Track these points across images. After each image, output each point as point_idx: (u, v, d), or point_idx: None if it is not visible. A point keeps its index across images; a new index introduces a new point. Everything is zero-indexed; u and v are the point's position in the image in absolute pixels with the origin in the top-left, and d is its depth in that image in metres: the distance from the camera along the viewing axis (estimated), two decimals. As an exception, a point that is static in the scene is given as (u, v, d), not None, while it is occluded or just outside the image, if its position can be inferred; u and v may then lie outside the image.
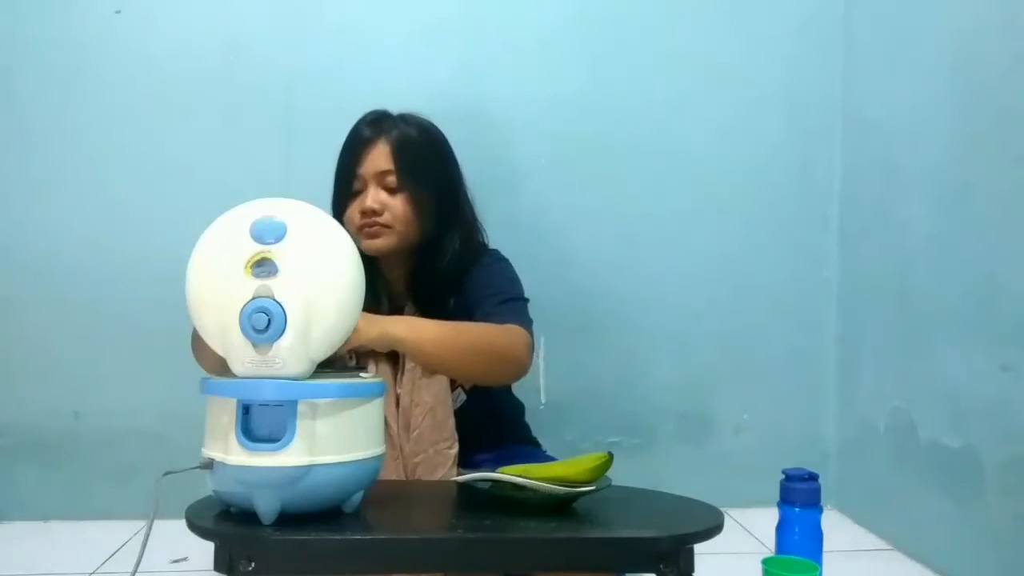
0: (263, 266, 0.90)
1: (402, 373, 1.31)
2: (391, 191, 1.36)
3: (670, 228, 1.92)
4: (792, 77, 1.93)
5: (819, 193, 1.94)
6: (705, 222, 1.92)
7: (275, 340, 0.88)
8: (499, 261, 1.45)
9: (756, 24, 1.92)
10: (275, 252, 0.90)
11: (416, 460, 1.31)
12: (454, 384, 1.36)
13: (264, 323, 0.88)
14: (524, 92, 1.87)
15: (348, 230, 1.39)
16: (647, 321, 1.91)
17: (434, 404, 1.31)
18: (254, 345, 0.89)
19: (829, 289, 1.94)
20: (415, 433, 1.31)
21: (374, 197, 1.36)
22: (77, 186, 1.84)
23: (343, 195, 1.40)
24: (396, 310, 1.41)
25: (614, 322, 1.90)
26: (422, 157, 1.39)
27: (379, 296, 1.42)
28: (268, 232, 0.91)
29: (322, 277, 0.92)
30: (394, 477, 1.30)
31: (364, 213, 1.36)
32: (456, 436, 1.33)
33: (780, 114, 1.93)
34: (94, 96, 1.84)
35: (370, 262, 1.40)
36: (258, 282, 0.89)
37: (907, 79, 1.69)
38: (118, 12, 1.84)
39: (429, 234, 1.39)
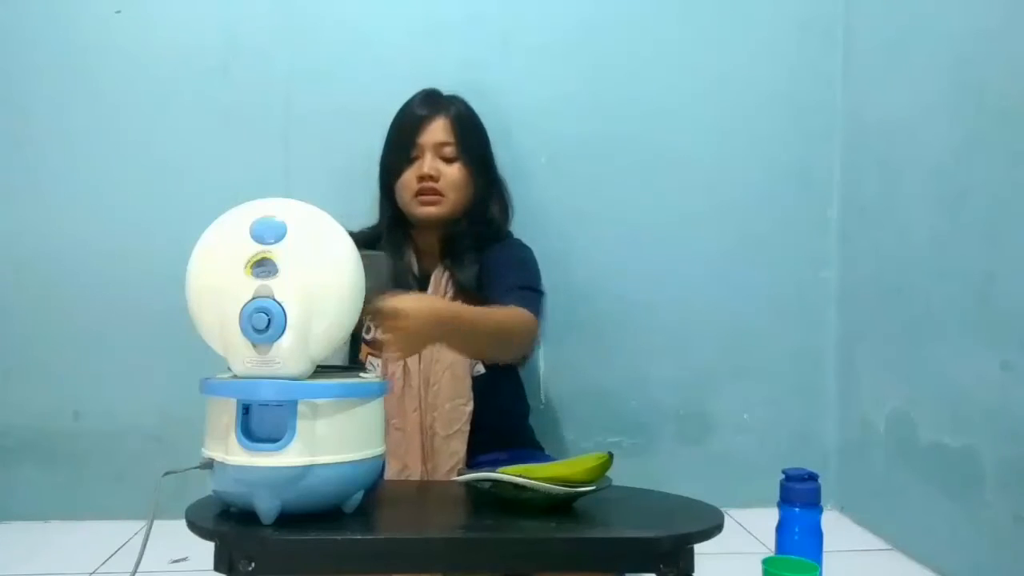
0: (263, 266, 0.90)
1: None
2: (447, 160, 1.50)
3: (670, 228, 1.91)
4: (792, 78, 1.93)
5: (819, 194, 1.94)
6: (705, 222, 1.92)
7: (275, 340, 0.89)
8: (524, 248, 1.55)
9: (756, 25, 1.92)
10: (275, 252, 0.90)
11: (434, 414, 1.39)
12: None
13: (264, 323, 0.88)
14: (524, 92, 1.87)
15: (402, 196, 1.50)
16: (647, 321, 1.91)
17: (453, 362, 1.40)
18: (254, 345, 0.89)
19: (829, 289, 1.94)
20: (435, 387, 1.40)
21: (431, 164, 1.49)
22: (77, 186, 1.84)
23: (399, 161, 1.51)
24: (424, 275, 1.50)
25: (614, 322, 1.90)
26: (474, 131, 1.56)
27: (409, 261, 1.51)
28: (268, 232, 0.91)
29: (322, 277, 0.92)
30: (412, 431, 1.38)
31: (421, 178, 1.48)
32: (472, 395, 1.40)
33: (780, 115, 1.93)
34: (93, 96, 1.83)
35: (403, 227, 1.53)
36: (258, 282, 0.90)
37: (907, 80, 1.68)
38: (118, 12, 1.83)
39: (475, 202, 1.53)
